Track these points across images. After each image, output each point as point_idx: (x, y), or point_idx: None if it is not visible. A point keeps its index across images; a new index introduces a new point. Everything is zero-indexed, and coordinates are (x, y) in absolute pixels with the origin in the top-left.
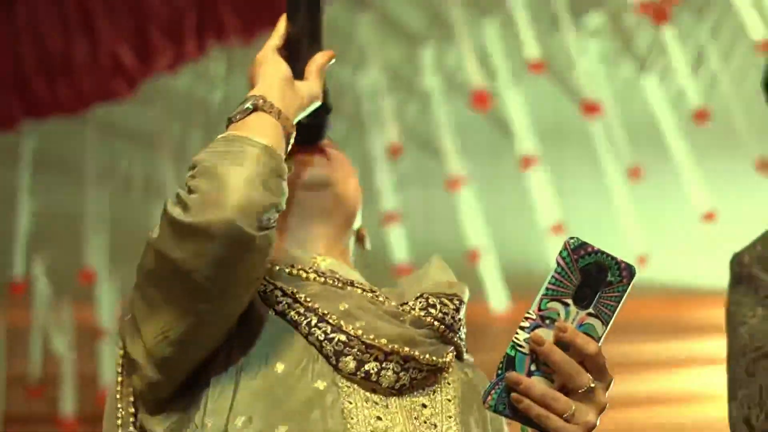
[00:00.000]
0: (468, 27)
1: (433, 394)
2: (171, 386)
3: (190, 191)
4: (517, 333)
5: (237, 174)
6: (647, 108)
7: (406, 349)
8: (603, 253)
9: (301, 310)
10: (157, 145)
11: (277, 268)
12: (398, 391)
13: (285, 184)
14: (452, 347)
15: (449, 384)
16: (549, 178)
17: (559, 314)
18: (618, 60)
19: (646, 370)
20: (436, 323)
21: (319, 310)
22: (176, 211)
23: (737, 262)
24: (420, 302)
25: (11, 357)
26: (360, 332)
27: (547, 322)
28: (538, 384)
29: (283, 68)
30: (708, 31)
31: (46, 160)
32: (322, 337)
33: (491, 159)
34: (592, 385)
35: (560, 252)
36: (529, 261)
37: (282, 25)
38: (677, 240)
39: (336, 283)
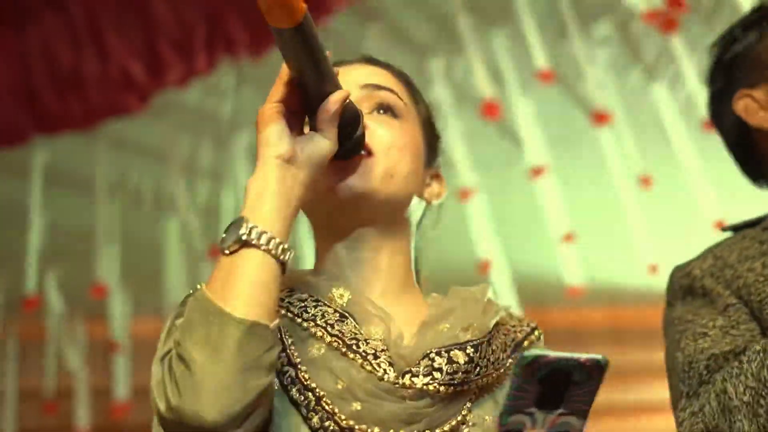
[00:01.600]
0: (476, 38)
1: None
2: None
3: (174, 376)
4: None
5: (215, 374)
6: (657, 116)
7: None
8: (561, 359)
9: (301, 389)
10: (167, 158)
11: (290, 315)
12: None
13: (274, 355)
14: (468, 397)
15: None
16: (559, 187)
17: (524, 424)
18: (627, 68)
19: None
20: (442, 388)
21: (317, 390)
22: (160, 398)
23: (686, 275)
24: (425, 366)
25: (25, 372)
26: (352, 422)
27: None
28: None
29: (282, 144)
30: None
31: (57, 174)
32: (317, 425)
33: (501, 169)
34: None
35: (513, 370)
36: (540, 271)
37: (284, 71)
38: (688, 248)
39: (341, 347)
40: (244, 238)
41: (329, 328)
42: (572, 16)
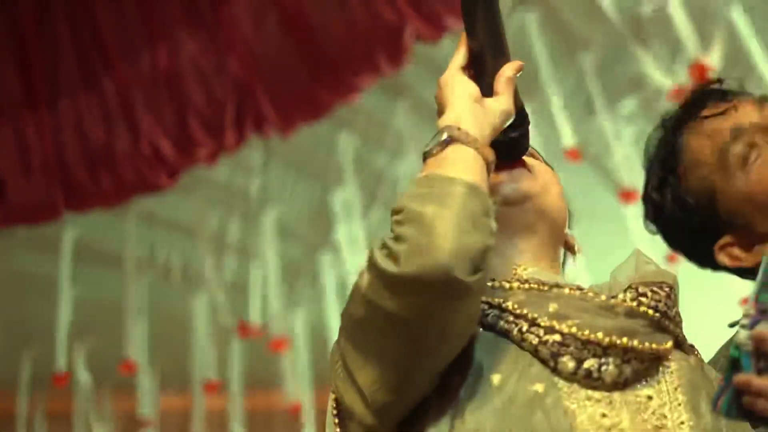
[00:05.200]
0: None
1: (658, 384)
2: (390, 428)
3: (397, 239)
4: (737, 332)
5: (446, 218)
6: None
7: (625, 339)
8: None
9: (510, 319)
10: (196, 234)
11: None
12: (621, 385)
13: (494, 223)
14: (670, 336)
15: (672, 372)
16: (586, 265)
17: None
18: None
19: None
20: (650, 311)
21: (529, 315)
22: (386, 263)
23: None
24: (630, 293)
25: None
26: (574, 329)
27: None
28: None
29: (471, 87)
30: None
31: (87, 250)
32: (535, 341)
33: None
34: None
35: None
36: None
37: (463, 42)
38: (716, 326)
39: (542, 287)
40: (446, 136)
41: (522, 282)
42: (599, 93)
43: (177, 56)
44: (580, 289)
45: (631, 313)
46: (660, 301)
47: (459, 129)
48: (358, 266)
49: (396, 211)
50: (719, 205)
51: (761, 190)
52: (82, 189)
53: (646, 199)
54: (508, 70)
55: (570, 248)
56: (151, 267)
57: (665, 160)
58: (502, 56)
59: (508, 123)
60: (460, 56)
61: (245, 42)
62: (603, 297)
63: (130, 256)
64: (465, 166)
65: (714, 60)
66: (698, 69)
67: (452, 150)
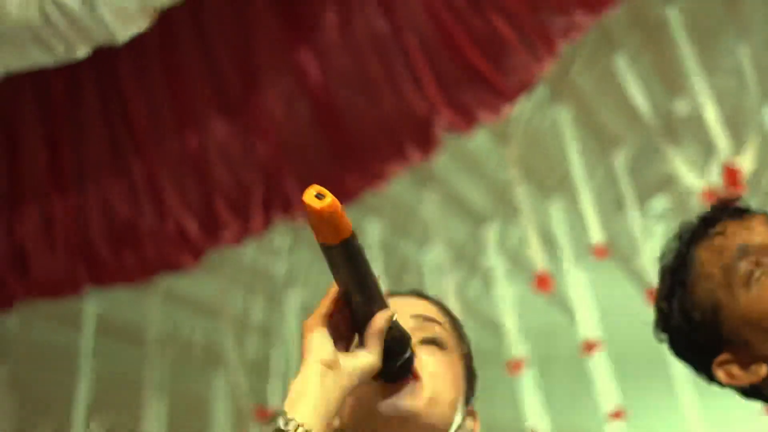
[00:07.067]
0: (532, 207)
1: None
2: None
3: None
4: None
5: None
6: None
7: None
8: None
9: None
10: (219, 314)
11: None
12: None
13: None
14: None
15: None
16: (611, 363)
17: None
18: None
19: None
20: None
21: None
22: None
23: None
24: None
25: None
26: None
27: None
28: None
29: (324, 351)
30: None
31: (108, 325)
32: None
33: (552, 341)
34: None
35: None
36: None
37: (332, 289)
38: None
39: None
40: (281, 427)
41: None
42: (630, 190)
43: (206, 139)
44: None
45: None
46: None
47: (293, 422)
48: None
49: None
50: (722, 321)
51: (759, 310)
52: (105, 265)
53: (656, 307)
54: (378, 322)
55: None
56: (172, 345)
57: (676, 271)
58: (371, 302)
59: (370, 374)
60: (326, 303)
61: (274, 127)
62: None
63: (152, 334)
64: None
65: (746, 163)
66: (730, 171)
67: None
